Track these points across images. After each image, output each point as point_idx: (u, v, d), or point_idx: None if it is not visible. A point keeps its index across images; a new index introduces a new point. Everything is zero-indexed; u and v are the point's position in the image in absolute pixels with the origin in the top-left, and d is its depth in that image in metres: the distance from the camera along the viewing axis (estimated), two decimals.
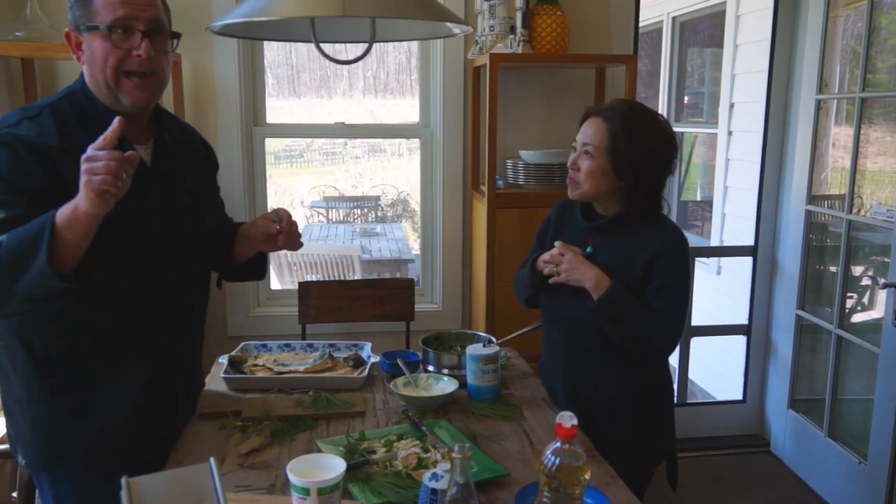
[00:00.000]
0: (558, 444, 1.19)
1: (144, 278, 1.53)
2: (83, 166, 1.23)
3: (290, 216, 1.71)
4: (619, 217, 1.82)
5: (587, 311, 1.78)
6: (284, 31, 1.58)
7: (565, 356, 1.91)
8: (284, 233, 1.68)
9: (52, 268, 1.24)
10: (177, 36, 1.51)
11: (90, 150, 1.24)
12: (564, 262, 1.81)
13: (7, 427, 1.58)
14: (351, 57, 1.48)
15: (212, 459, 1.08)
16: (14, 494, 2.01)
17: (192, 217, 1.65)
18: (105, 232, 1.32)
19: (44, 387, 1.48)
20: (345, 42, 1.68)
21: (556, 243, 1.85)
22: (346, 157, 11.22)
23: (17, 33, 2.43)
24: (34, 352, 1.46)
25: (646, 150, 1.75)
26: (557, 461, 1.17)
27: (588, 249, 1.85)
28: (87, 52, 1.44)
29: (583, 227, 1.88)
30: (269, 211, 1.75)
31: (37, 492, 1.89)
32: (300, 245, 1.75)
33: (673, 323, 1.76)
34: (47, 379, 1.48)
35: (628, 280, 1.77)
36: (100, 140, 1.25)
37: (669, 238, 1.80)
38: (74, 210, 1.25)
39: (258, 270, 1.86)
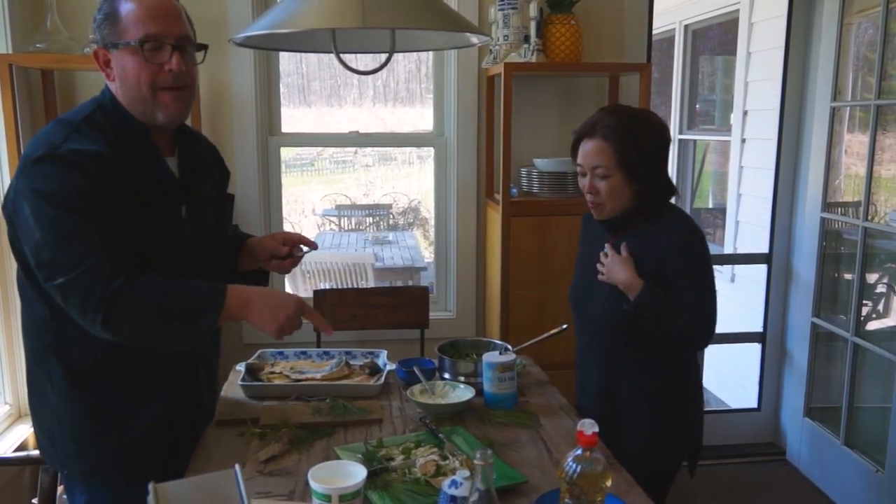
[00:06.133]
0: (579, 452, 1.19)
1: None
2: (282, 312, 1.46)
3: (299, 239, 1.82)
4: (630, 213, 1.86)
5: (616, 313, 1.82)
6: (304, 42, 1.60)
7: (597, 353, 1.95)
8: (291, 260, 1.80)
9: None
10: (204, 47, 1.52)
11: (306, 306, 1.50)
12: (605, 265, 1.87)
13: (39, 439, 1.58)
14: (362, 67, 1.51)
15: (237, 466, 1.09)
16: (34, 501, 2.03)
17: (215, 227, 1.67)
18: (142, 249, 1.35)
19: (80, 400, 1.49)
20: (363, 52, 1.70)
21: (606, 246, 1.90)
22: (357, 166, 11.24)
23: (38, 45, 2.46)
24: (72, 366, 1.48)
25: (651, 149, 1.82)
26: (579, 468, 1.18)
27: (604, 250, 1.89)
28: (119, 69, 1.44)
29: (598, 229, 1.96)
30: (282, 231, 1.82)
31: (58, 498, 1.91)
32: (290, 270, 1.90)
33: (703, 316, 1.80)
34: (83, 392, 1.49)
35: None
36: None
37: (677, 236, 1.82)
38: (245, 311, 1.45)
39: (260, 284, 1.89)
